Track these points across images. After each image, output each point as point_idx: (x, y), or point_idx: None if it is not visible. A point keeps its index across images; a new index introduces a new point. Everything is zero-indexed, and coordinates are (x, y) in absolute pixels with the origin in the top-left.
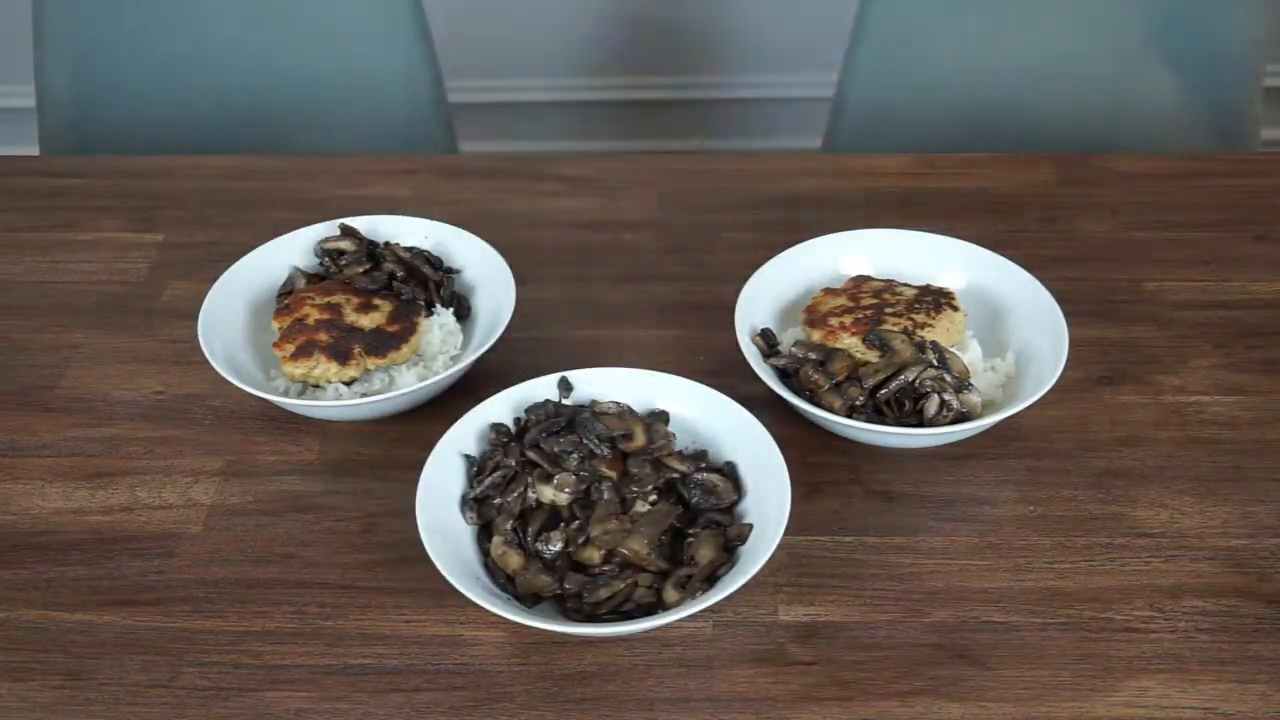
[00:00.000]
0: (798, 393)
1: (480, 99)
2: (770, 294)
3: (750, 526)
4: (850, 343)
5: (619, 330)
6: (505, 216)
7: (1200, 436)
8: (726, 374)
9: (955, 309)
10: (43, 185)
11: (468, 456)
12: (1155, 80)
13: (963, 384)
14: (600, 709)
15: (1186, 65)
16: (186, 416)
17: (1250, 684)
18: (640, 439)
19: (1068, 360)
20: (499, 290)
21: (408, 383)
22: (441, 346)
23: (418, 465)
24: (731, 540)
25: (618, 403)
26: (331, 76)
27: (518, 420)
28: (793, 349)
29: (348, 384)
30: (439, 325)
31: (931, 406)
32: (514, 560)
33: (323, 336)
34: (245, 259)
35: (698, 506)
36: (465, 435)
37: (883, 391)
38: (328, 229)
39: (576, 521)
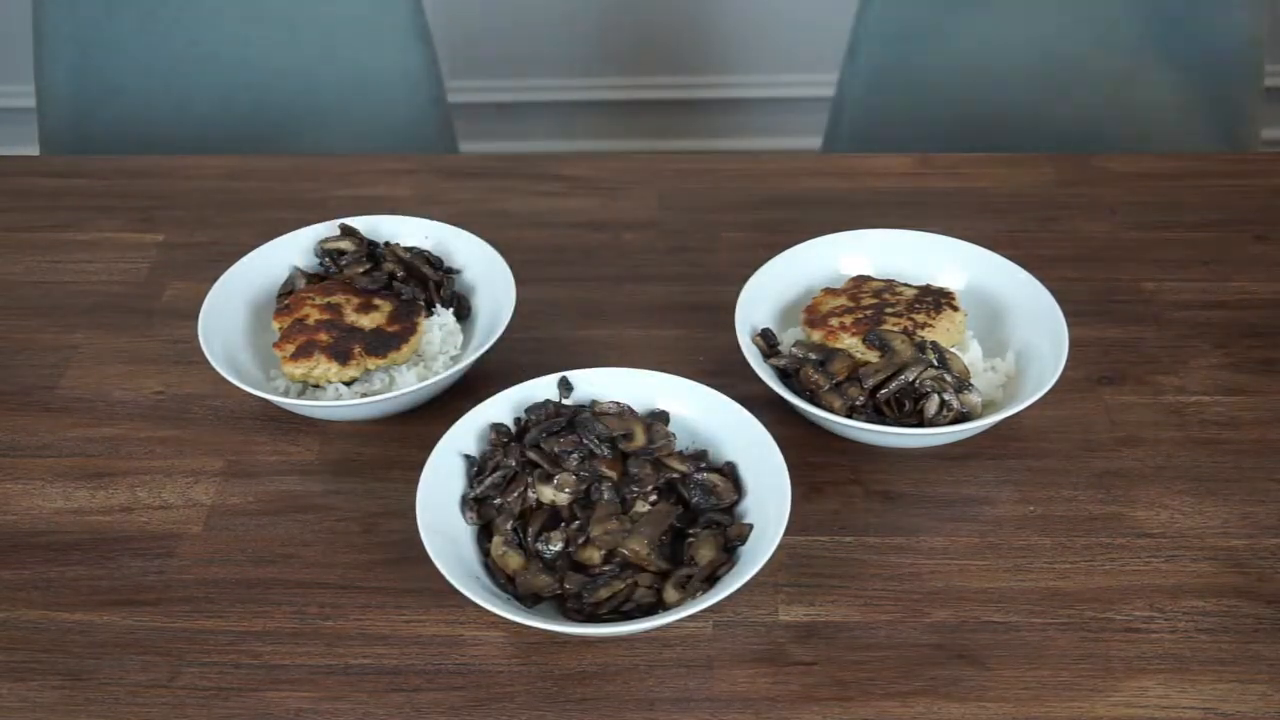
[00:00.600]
0: (798, 393)
1: (480, 99)
2: (770, 294)
3: (750, 526)
4: (850, 343)
5: (619, 330)
6: (505, 216)
7: (1200, 436)
8: (726, 374)
9: (955, 309)
10: (43, 185)
11: (468, 456)
12: (1155, 80)
13: (963, 384)
14: (600, 709)
15: (1186, 65)
16: (186, 416)
17: (1250, 684)
18: (640, 439)
19: (1068, 360)
20: (499, 290)
21: (408, 383)
22: (441, 346)
23: (418, 465)
24: (731, 540)
25: (618, 403)
26: (331, 76)
27: (518, 420)
28: (793, 349)
29: (348, 384)
30: (439, 325)
31: (931, 406)
32: (514, 560)
33: (323, 336)
34: (245, 259)
35: (698, 506)
36: (465, 435)
37: (883, 391)
38: (328, 229)
39: (576, 521)
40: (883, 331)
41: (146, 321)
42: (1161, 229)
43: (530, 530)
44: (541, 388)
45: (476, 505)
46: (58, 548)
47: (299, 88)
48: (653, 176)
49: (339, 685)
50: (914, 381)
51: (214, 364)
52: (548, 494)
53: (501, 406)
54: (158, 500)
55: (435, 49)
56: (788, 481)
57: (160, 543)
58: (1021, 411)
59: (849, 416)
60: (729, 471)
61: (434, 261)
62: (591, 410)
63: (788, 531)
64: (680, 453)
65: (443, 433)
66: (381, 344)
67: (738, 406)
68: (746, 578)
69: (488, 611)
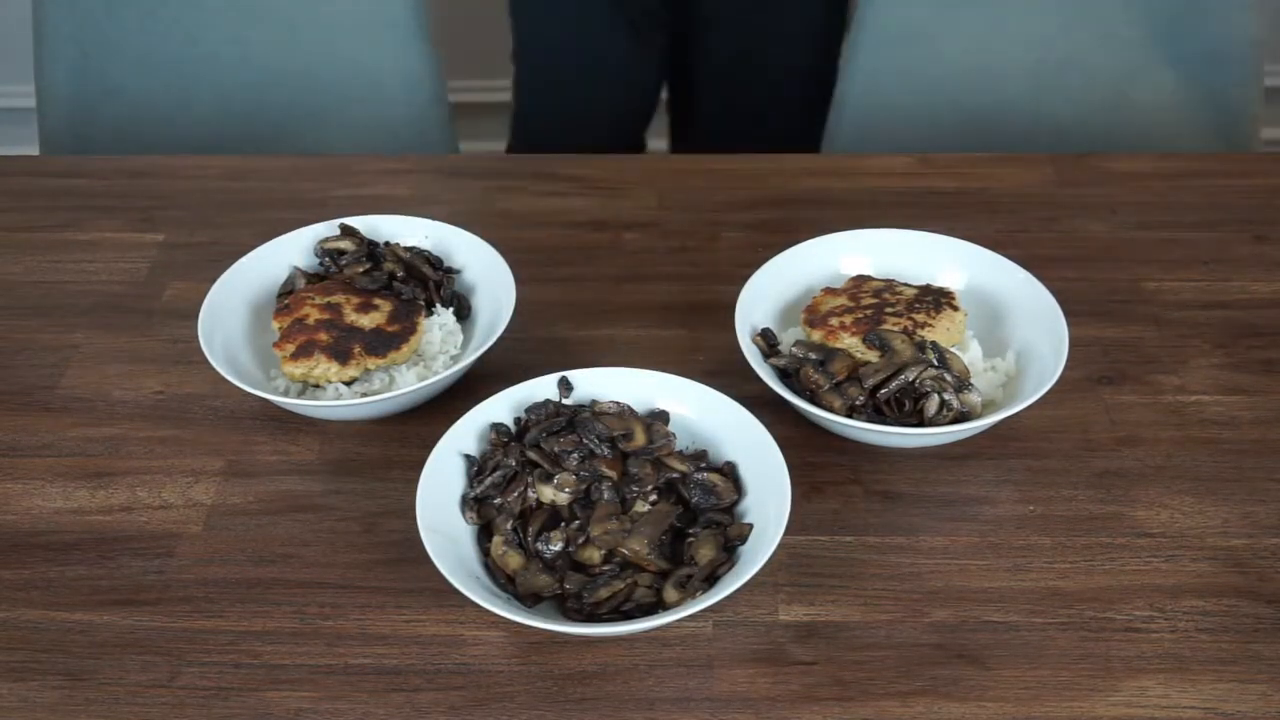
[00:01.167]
0: (798, 393)
1: (480, 99)
2: (770, 294)
3: (750, 526)
4: (850, 343)
5: (619, 330)
6: (505, 216)
7: (1200, 436)
8: (726, 374)
9: (955, 309)
10: (43, 185)
11: (468, 456)
12: (1155, 80)
13: (963, 384)
14: (600, 709)
15: (1186, 65)
16: (186, 416)
17: (1250, 684)
18: (640, 439)
19: (1068, 360)
20: (499, 290)
21: (408, 383)
22: (441, 346)
23: (418, 465)
24: (731, 540)
25: (618, 403)
26: (331, 76)
27: (518, 420)
28: (793, 349)
29: (348, 384)
30: (439, 325)
31: (931, 406)
32: (514, 560)
33: (323, 336)
34: (245, 259)
35: (698, 506)
36: (465, 435)
37: (883, 391)
38: (328, 229)
39: (576, 521)
40: (883, 331)
41: (146, 321)
42: (1161, 229)
43: (530, 530)
44: (541, 388)
45: (476, 505)
46: (58, 548)
47: (299, 88)
48: (653, 176)
49: (339, 685)
50: (914, 381)
51: (214, 364)
52: (548, 494)
53: (501, 406)
54: (158, 500)
55: (435, 49)
56: (788, 481)
57: (160, 543)
58: (1021, 411)
59: (849, 416)
60: (729, 471)
61: (434, 261)
62: (591, 410)
63: (788, 531)
64: (680, 453)
65: (443, 433)
66: (381, 344)
67: (738, 406)
68: (746, 578)
69: (488, 611)
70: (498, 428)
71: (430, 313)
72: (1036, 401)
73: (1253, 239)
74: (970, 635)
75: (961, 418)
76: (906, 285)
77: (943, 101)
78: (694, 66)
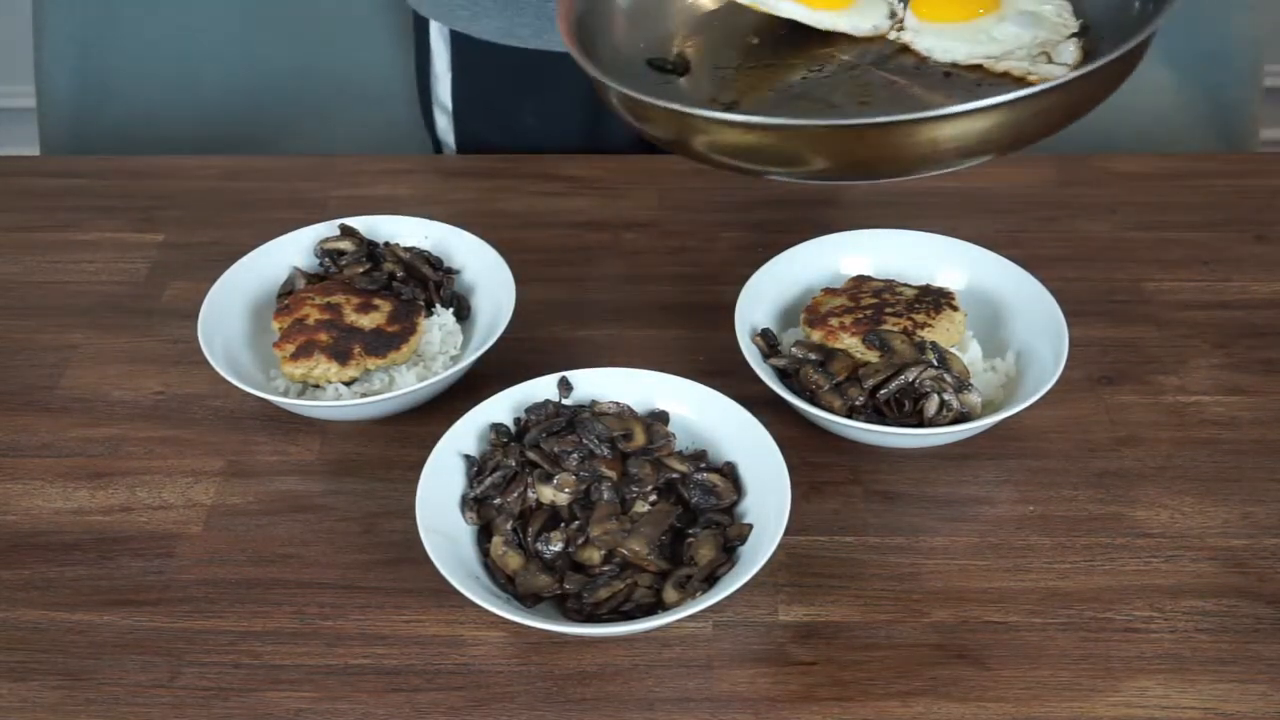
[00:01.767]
0: (798, 393)
1: None
2: (770, 294)
3: (750, 526)
4: (850, 343)
5: (619, 330)
6: (505, 216)
7: (1200, 436)
8: (726, 374)
9: (955, 309)
10: (43, 185)
11: (468, 456)
12: (1155, 80)
13: (963, 384)
14: (600, 709)
15: (1186, 65)
16: (186, 416)
17: (1250, 684)
18: (640, 439)
19: (1068, 360)
20: (499, 290)
21: (408, 383)
22: (441, 346)
23: (418, 465)
24: (731, 540)
25: (618, 403)
26: (331, 76)
27: (518, 420)
28: (793, 349)
29: (348, 384)
30: (439, 325)
31: (931, 406)
32: (514, 560)
33: (323, 336)
34: (245, 259)
35: (698, 506)
36: (465, 435)
37: (883, 391)
38: (328, 229)
39: (576, 521)
40: (883, 331)
41: (146, 321)
42: (1161, 229)
43: (530, 530)
44: (541, 388)
45: (476, 505)
46: (57, 548)
47: (299, 88)
48: (653, 176)
49: (339, 685)
50: (914, 381)
51: (214, 364)
52: (547, 494)
53: (501, 406)
54: (158, 500)
55: None
56: (788, 481)
57: (160, 543)
58: (1021, 411)
59: (849, 416)
60: (729, 471)
61: (434, 261)
62: (591, 410)
63: (788, 531)
64: (680, 453)
65: (443, 433)
66: (381, 344)
67: (738, 406)
68: (746, 578)
69: (488, 611)
70: (498, 428)
71: (430, 313)
72: (1036, 402)
73: (1253, 239)
74: (970, 635)
75: (961, 418)
76: (906, 286)
77: None
78: None
